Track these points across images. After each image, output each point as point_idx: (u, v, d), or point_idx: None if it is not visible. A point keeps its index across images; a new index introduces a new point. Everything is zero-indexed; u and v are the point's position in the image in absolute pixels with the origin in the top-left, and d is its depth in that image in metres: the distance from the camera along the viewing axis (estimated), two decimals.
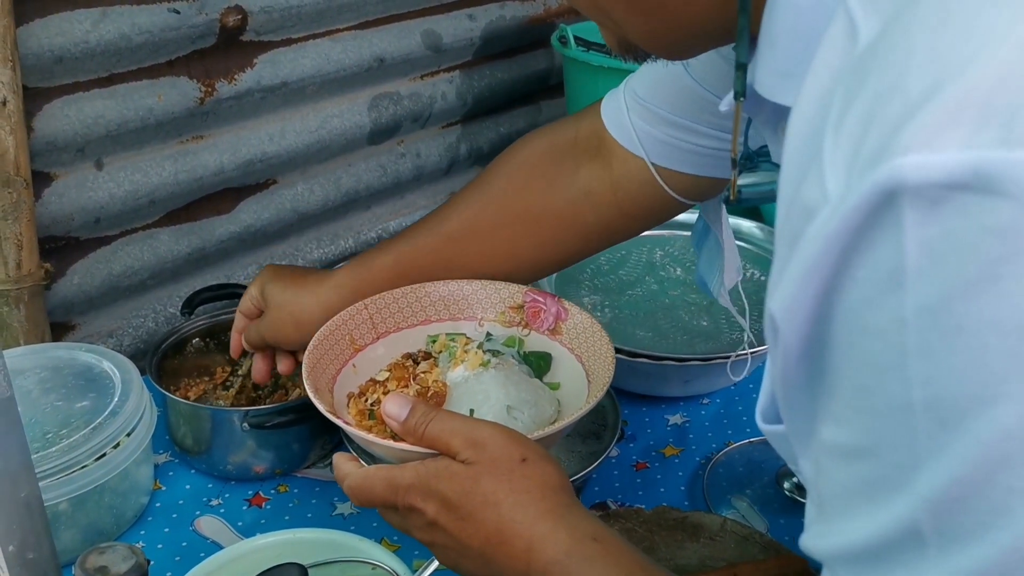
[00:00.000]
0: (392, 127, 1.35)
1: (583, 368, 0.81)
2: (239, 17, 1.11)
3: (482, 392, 0.76)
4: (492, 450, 0.60)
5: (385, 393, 0.77)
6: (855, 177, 0.32)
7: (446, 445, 0.61)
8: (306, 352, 0.77)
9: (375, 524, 0.89)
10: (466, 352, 0.80)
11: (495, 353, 0.81)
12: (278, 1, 1.14)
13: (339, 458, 0.67)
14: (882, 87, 0.33)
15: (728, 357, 0.98)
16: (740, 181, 0.56)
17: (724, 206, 0.82)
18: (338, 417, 0.71)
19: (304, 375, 0.75)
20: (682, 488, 0.94)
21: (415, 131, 1.40)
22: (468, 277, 0.86)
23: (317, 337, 0.79)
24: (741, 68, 0.48)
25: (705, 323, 1.06)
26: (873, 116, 0.33)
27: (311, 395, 0.73)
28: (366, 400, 0.78)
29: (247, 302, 0.90)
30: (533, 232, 0.84)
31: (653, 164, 0.77)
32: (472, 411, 0.73)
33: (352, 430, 0.70)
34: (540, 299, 0.85)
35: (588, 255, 0.89)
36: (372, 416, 0.76)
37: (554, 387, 0.82)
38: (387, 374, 0.80)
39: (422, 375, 0.79)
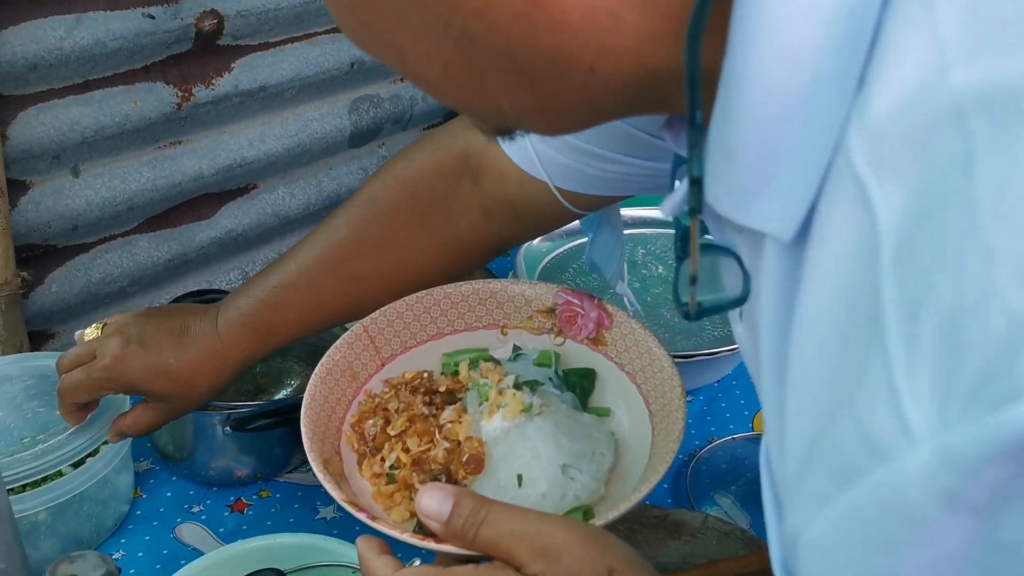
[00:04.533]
0: (373, 130, 1.34)
1: (638, 391, 0.69)
2: (215, 21, 1.10)
3: (529, 450, 0.64)
4: (569, 563, 0.49)
5: (405, 451, 0.66)
6: (959, 416, 0.27)
7: (507, 553, 0.50)
8: (303, 408, 0.66)
9: (357, 528, 0.88)
10: (501, 394, 0.67)
11: (532, 385, 0.69)
12: (255, 5, 1.13)
13: (367, 550, 0.55)
14: (962, 295, 0.28)
15: (711, 354, 0.98)
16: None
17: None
18: (359, 509, 0.60)
19: (305, 442, 0.64)
20: (665, 485, 0.93)
21: (396, 133, 1.39)
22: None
23: (313, 382, 0.68)
24: (696, 183, 0.40)
25: (687, 320, 1.06)
26: (961, 334, 0.28)
27: (319, 474, 0.62)
28: (382, 460, 0.67)
29: (86, 400, 0.80)
30: (440, 257, 0.80)
31: (556, 187, 0.72)
32: (520, 477, 0.64)
33: (383, 529, 0.58)
34: (575, 301, 0.73)
35: (490, 261, 0.86)
36: (392, 480, 0.66)
37: (603, 413, 0.71)
38: (404, 423, 0.67)
39: (449, 426, 0.67)
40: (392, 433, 0.68)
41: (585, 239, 1.18)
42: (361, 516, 0.59)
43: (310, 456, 0.64)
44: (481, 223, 0.78)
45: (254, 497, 0.93)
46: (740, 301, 0.43)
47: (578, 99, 0.41)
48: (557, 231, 1.17)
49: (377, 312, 0.74)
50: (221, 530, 0.89)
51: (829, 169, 0.34)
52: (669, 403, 0.66)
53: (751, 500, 0.90)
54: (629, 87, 0.40)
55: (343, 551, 0.76)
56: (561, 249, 1.16)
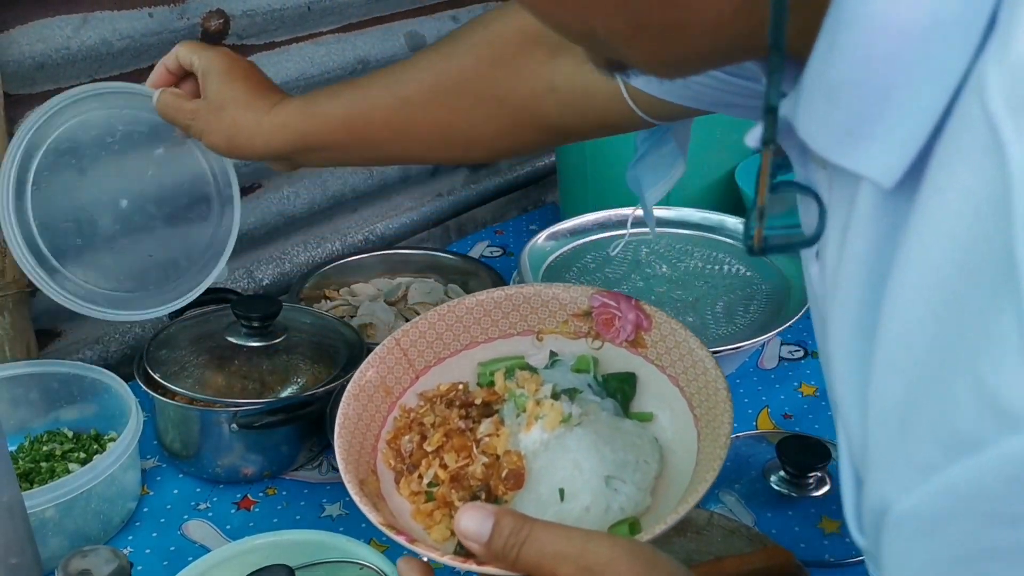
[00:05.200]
0: None
1: (681, 394, 0.67)
2: (221, 21, 1.11)
3: (571, 462, 0.62)
4: None
5: (443, 467, 0.64)
6: None
7: (551, 574, 0.49)
8: (336, 428, 0.65)
9: (363, 524, 0.89)
10: (538, 405, 0.64)
11: (571, 393, 0.67)
12: (260, 5, 1.14)
13: (407, 568, 0.55)
14: None
15: (714, 352, 0.98)
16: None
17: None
18: (399, 532, 0.58)
19: (340, 464, 0.63)
20: None
21: None
22: (419, 146, 0.80)
23: (346, 399, 0.66)
24: (771, 111, 0.39)
25: (691, 319, 1.06)
26: None
27: (356, 498, 0.60)
28: (420, 477, 0.65)
29: (175, 62, 0.85)
30: (492, 115, 0.78)
31: (625, 82, 0.70)
32: (562, 491, 0.62)
33: (423, 551, 0.57)
34: (612, 303, 0.71)
35: (541, 149, 0.84)
36: (431, 497, 0.64)
37: (646, 418, 0.68)
38: (440, 439, 0.65)
39: (487, 440, 0.64)
40: (429, 449, 0.65)
41: (588, 239, 1.19)
42: (400, 539, 0.58)
43: (345, 478, 0.62)
44: (544, 96, 0.76)
45: (260, 495, 0.93)
46: (812, 241, 0.42)
47: (670, 20, 0.39)
48: (562, 231, 1.17)
49: (409, 324, 0.72)
50: (228, 527, 0.89)
51: (950, 113, 0.33)
52: (714, 406, 0.64)
53: (755, 498, 0.90)
54: (723, 13, 0.39)
55: (350, 547, 0.76)
56: (565, 248, 1.16)
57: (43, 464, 0.89)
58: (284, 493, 0.93)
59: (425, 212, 1.47)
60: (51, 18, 0.97)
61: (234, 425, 0.90)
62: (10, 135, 0.96)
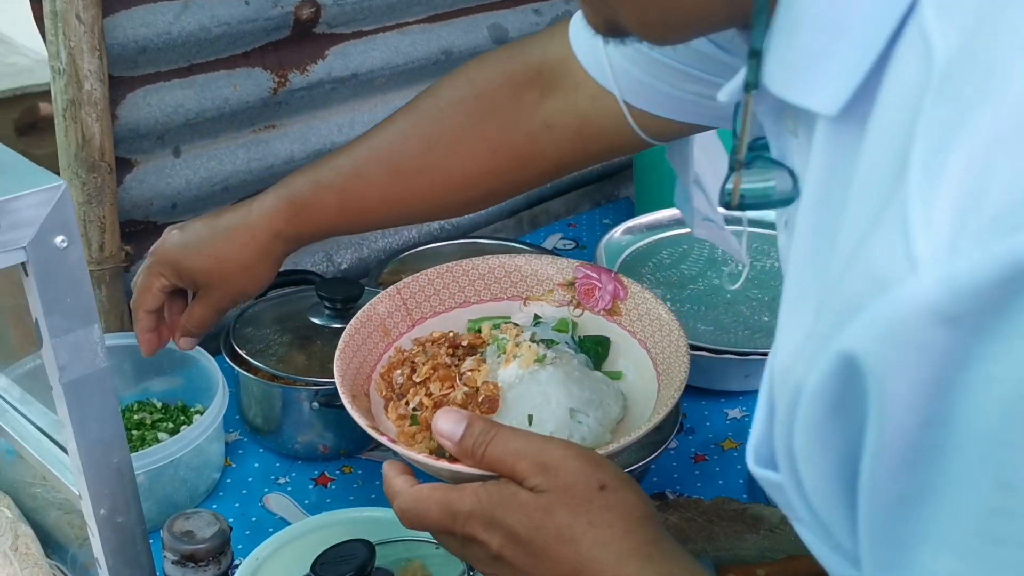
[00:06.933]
0: None
1: (648, 356, 0.74)
2: (313, 10, 1.13)
3: (540, 394, 0.69)
4: (566, 476, 0.53)
5: (428, 395, 0.71)
6: (971, 244, 0.27)
7: (511, 469, 0.54)
8: (337, 352, 0.72)
9: None
10: (517, 346, 0.72)
11: (548, 343, 0.73)
12: None
13: (390, 470, 0.60)
14: (997, 128, 0.28)
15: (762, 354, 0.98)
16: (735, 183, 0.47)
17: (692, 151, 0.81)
18: (380, 433, 0.66)
19: (337, 380, 0.70)
20: (740, 481, 0.94)
21: None
22: (418, 212, 0.85)
23: (348, 332, 0.74)
24: (755, 55, 0.40)
25: (766, 318, 1.06)
26: (992, 165, 0.28)
27: (347, 406, 0.68)
28: (407, 403, 0.72)
29: (153, 298, 0.84)
30: (489, 165, 0.79)
31: (626, 103, 0.71)
32: (531, 417, 0.68)
33: (400, 450, 0.64)
34: (594, 275, 0.79)
35: (541, 185, 0.85)
36: (415, 421, 0.71)
37: (615, 376, 0.76)
38: (428, 371, 0.72)
39: (469, 374, 0.71)
40: (417, 380, 0.73)
41: (664, 235, 1.19)
42: (383, 439, 0.65)
43: (340, 391, 0.69)
44: (541, 135, 0.77)
45: (337, 472, 0.96)
46: (788, 201, 0.44)
47: (683, 7, 0.42)
48: (639, 225, 1.18)
49: (410, 277, 0.79)
50: (306, 502, 0.92)
51: (896, 41, 0.35)
52: (674, 361, 0.71)
53: None
54: None
55: None
56: (641, 243, 1.17)
57: (134, 432, 0.93)
58: (360, 472, 0.96)
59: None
60: (154, 3, 1.01)
61: (315, 403, 0.93)
62: (113, 116, 1.00)
